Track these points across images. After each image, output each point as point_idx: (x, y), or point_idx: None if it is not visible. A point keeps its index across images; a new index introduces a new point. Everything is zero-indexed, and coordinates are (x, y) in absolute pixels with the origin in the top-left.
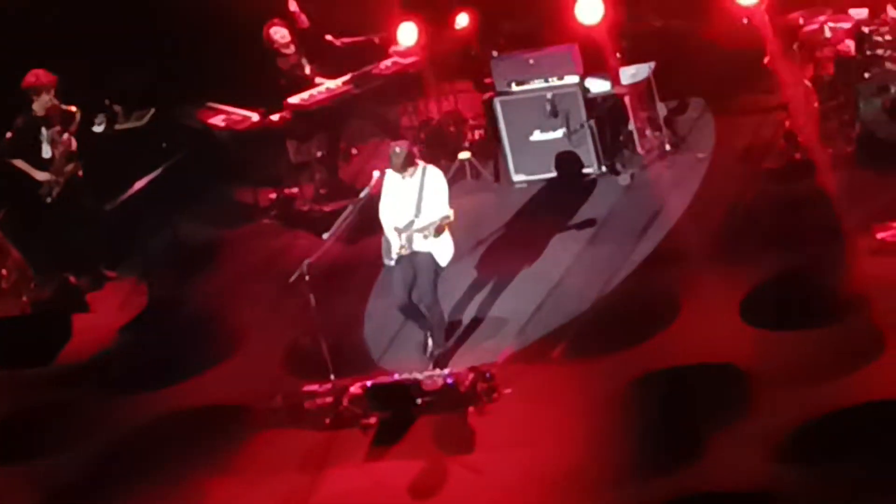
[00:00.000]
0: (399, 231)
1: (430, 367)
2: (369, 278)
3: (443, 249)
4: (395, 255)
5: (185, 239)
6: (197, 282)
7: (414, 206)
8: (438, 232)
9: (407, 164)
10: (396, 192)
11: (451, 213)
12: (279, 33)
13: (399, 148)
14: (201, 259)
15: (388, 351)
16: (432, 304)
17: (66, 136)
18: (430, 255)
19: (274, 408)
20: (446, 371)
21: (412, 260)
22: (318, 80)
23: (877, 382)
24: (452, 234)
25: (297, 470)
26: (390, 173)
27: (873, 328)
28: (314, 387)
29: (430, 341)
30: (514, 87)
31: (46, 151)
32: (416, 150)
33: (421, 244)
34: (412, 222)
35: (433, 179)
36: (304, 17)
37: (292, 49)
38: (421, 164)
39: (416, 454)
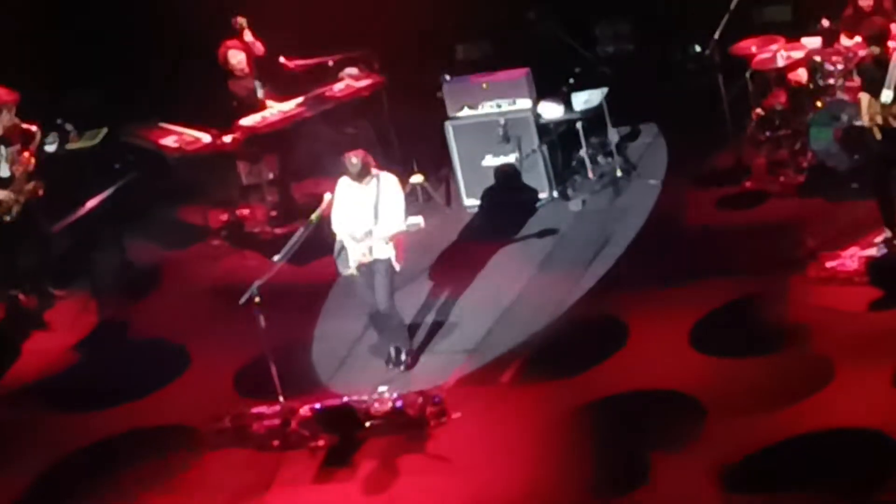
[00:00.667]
0: (358, 240)
1: (402, 369)
2: (319, 300)
3: (397, 253)
4: (353, 264)
5: (136, 258)
6: (147, 301)
7: (372, 214)
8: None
9: (364, 172)
10: (352, 201)
11: (420, 220)
12: (236, 58)
13: (355, 157)
14: (151, 279)
15: (337, 373)
16: (391, 308)
17: (25, 154)
18: (388, 261)
19: (221, 429)
20: (395, 394)
21: (371, 266)
22: (270, 102)
23: (825, 411)
24: (404, 252)
25: (244, 492)
26: (344, 183)
27: (821, 357)
28: (262, 408)
29: (392, 350)
30: (467, 112)
31: (5, 170)
32: (371, 158)
33: (380, 251)
34: (371, 231)
35: (388, 186)
36: (259, 45)
37: (247, 73)
38: (375, 171)
39: (364, 477)
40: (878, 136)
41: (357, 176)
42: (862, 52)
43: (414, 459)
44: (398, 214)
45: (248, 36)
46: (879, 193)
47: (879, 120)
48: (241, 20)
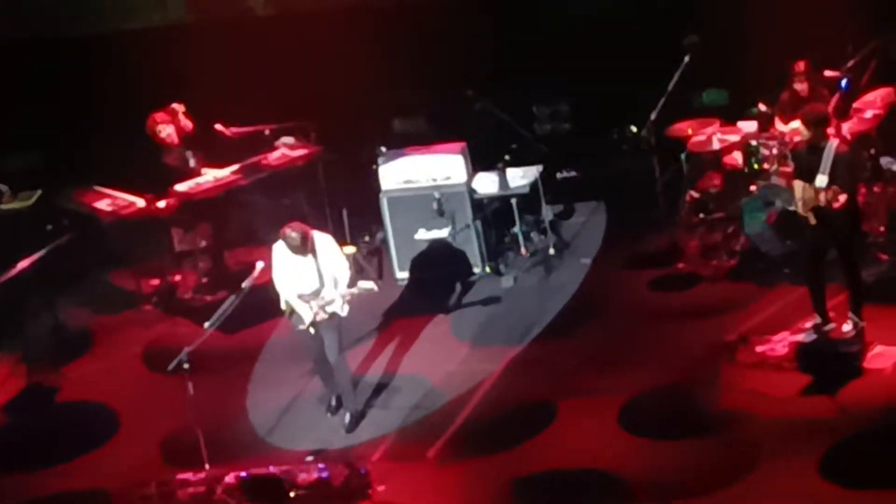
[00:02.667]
0: (306, 298)
1: (347, 429)
2: (249, 368)
3: (344, 308)
4: (307, 321)
5: (67, 321)
6: (77, 365)
7: (316, 276)
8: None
9: (304, 246)
10: (293, 265)
11: (372, 284)
12: (165, 131)
13: (294, 232)
14: (82, 342)
15: (266, 440)
16: (342, 363)
17: None
18: (336, 315)
19: (146, 495)
20: (321, 465)
21: (323, 322)
22: (205, 170)
23: (752, 497)
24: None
25: None
26: (281, 248)
27: (749, 442)
28: (188, 475)
29: (333, 401)
30: (402, 184)
31: None
32: (308, 228)
33: (335, 307)
34: (318, 290)
35: (326, 246)
36: (189, 123)
37: (176, 144)
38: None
39: None
40: (812, 221)
41: (299, 249)
42: (797, 138)
43: None
44: (344, 270)
45: (179, 108)
46: (810, 279)
47: (812, 205)
48: (178, 107)
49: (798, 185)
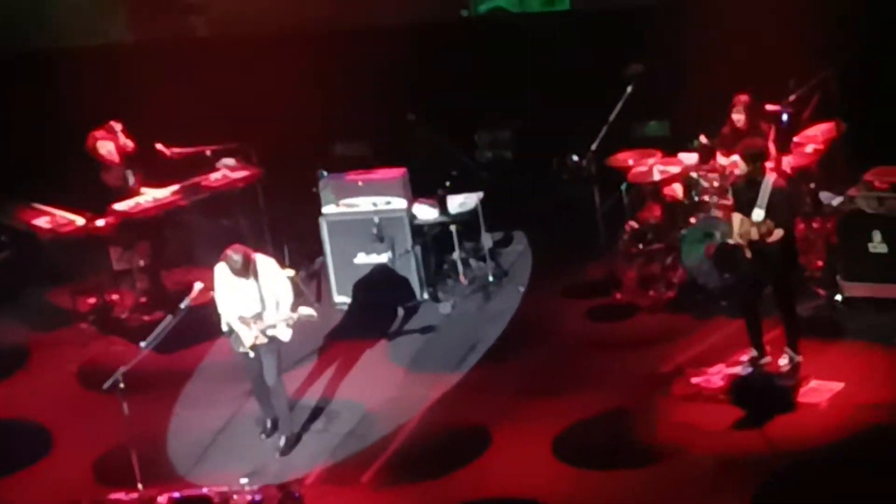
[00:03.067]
0: (248, 321)
1: (282, 452)
2: (184, 389)
3: (287, 333)
4: (248, 343)
5: (2, 338)
6: (11, 382)
7: (258, 300)
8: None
9: (245, 267)
10: (235, 287)
11: (312, 311)
12: (105, 148)
13: (236, 255)
14: (17, 360)
15: (199, 462)
16: (279, 385)
17: None
18: (276, 339)
19: None
20: (255, 487)
21: (263, 345)
22: (145, 189)
23: None
24: None
25: None
26: (223, 270)
27: (682, 475)
28: (121, 495)
29: (269, 423)
30: (342, 209)
31: None
32: (250, 250)
33: (278, 332)
34: (260, 313)
35: (268, 269)
36: (129, 142)
37: (117, 162)
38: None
39: None
40: (749, 254)
41: (241, 272)
42: (737, 171)
43: None
44: (287, 293)
45: (117, 126)
46: (746, 312)
47: (749, 239)
48: (116, 125)
49: (736, 218)
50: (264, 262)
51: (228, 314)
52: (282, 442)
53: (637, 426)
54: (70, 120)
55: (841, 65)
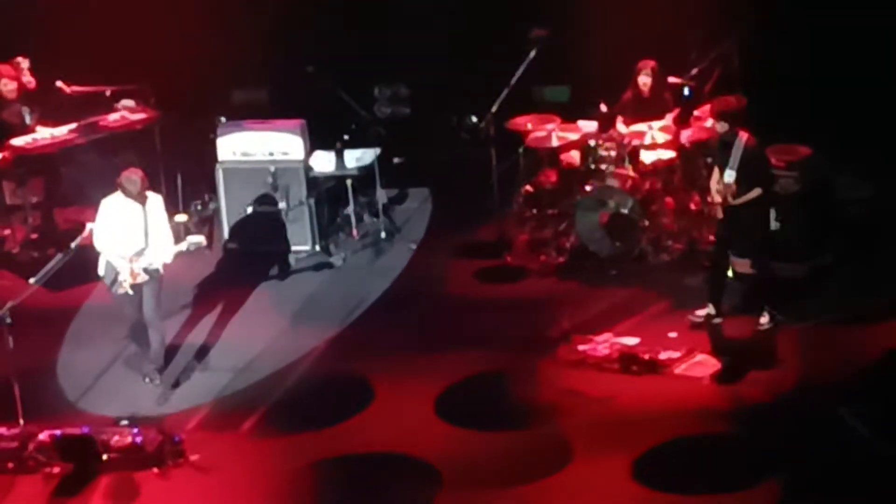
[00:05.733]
0: (130, 259)
1: (149, 380)
2: (70, 326)
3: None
4: (127, 284)
5: None
6: None
7: (142, 235)
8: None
9: (140, 193)
10: (120, 221)
11: (202, 238)
12: (8, 86)
13: (135, 176)
14: None
15: (83, 399)
16: (158, 321)
17: None
18: (156, 273)
19: None
20: (135, 429)
21: (140, 283)
22: (39, 127)
23: (561, 493)
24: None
25: None
26: (111, 204)
27: (563, 439)
28: (1, 430)
29: (148, 366)
30: (239, 156)
31: None
32: (146, 178)
33: (156, 265)
34: (143, 250)
35: (156, 206)
36: (32, 80)
37: (14, 99)
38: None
39: None
40: (720, 215)
41: (136, 195)
42: (636, 142)
43: (144, 497)
44: (168, 235)
45: (24, 63)
46: (713, 270)
47: (719, 199)
48: (23, 61)
49: (714, 177)
50: (154, 199)
51: (109, 251)
52: (153, 375)
53: (519, 389)
54: None
55: (742, 37)
